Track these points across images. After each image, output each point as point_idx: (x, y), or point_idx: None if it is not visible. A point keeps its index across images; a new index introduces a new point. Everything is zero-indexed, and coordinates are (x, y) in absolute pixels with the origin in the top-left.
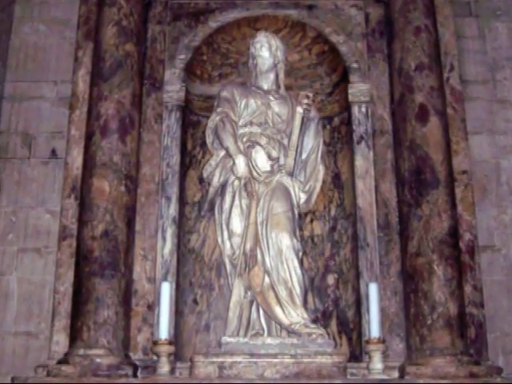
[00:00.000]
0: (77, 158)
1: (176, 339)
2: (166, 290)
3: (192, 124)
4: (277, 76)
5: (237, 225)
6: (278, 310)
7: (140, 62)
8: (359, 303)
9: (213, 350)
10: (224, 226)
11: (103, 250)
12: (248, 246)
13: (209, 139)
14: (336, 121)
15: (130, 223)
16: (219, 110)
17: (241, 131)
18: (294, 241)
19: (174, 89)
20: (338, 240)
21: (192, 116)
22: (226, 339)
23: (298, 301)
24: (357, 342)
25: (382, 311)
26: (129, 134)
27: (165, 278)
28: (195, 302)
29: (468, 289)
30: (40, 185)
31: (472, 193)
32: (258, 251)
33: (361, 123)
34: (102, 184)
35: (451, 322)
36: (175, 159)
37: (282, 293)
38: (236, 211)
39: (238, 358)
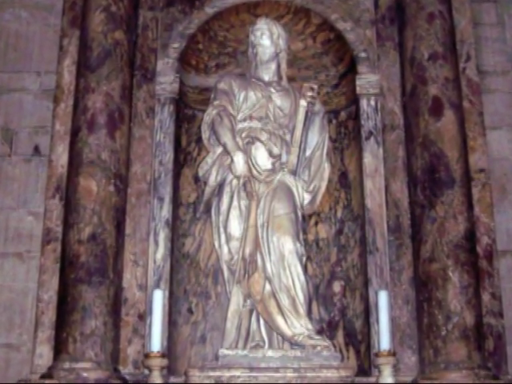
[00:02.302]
0: (62, 156)
1: (169, 352)
2: (159, 299)
3: (187, 118)
4: (278, 66)
5: (235, 228)
6: (279, 319)
7: (130, 52)
8: (368, 313)
9: (209, 364)
10: (221, 229)
11: (90, 254)
12: (247, 251)
13: (205, 135)
14: (343, 115)
15: (119, 226)
16: (216, 103)
17: (239, 126)
18: (298, 245)
19: (167, 80)
20: (345, 244)
21: (187, 110)
22: (223, 352)
23: (302, 310)
24: (365, 355)
25: (393, 321)
26: (118, 130)
27: (157, 286)
28: (190, 311)
29: (486, 297)
30: (22, 184)
31: (490, 193)
32: (258, 256)
33: (369, 117)
34: (89, 183)
35: (467, 333)
36: (168, 156)
37: (285, 301)
38: (234, 213)
39: (237, 372)
